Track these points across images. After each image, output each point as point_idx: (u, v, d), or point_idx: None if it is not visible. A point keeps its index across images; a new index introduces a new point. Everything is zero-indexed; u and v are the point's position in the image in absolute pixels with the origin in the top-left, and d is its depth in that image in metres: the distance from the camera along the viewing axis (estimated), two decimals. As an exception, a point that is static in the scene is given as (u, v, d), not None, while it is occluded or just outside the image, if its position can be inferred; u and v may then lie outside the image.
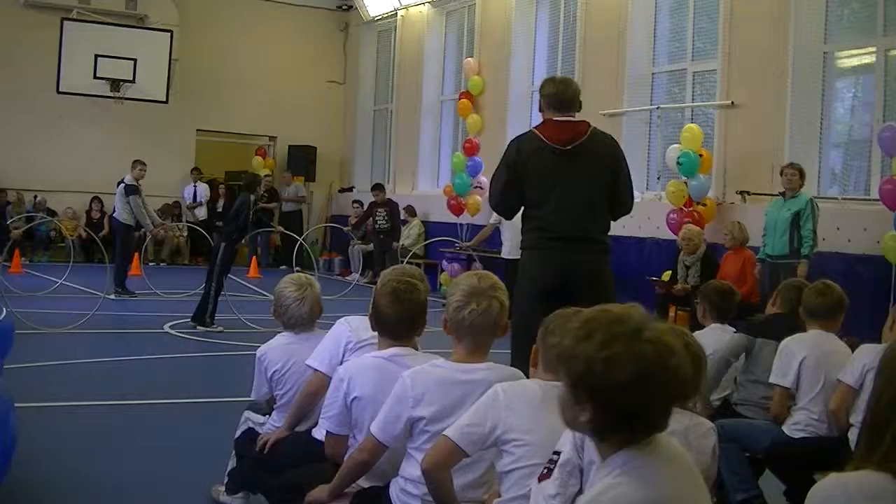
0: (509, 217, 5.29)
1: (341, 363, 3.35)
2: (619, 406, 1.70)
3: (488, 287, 2.74)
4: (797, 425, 3.95)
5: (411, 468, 2.71)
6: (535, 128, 4.88)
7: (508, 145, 4.92)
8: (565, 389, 1.77)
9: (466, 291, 2.73)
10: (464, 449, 2.47)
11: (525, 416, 2.46)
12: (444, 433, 2.50)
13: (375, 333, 3.18)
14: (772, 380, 4.03)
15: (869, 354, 3.72)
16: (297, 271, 11.98)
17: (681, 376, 1.71)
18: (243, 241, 11.31)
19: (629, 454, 1.74)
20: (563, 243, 4.71)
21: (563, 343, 1.79)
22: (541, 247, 4.79)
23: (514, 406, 2.47)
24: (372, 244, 14.38)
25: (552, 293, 4.48)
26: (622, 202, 4.88)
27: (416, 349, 3.03)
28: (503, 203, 4.96)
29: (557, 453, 2.21)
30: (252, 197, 9.67)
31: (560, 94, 4.82)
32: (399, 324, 2.98)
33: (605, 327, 1.72)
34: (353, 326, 3.42)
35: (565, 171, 4.72)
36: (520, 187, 4.79)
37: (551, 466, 2.20)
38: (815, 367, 3.93)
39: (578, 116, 4.89)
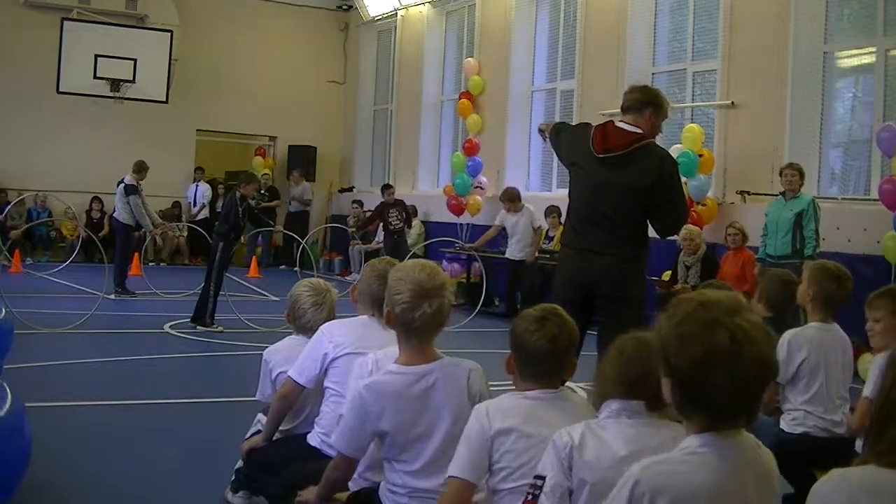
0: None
1: (325, 373, 3.37)
2: (689, 385, 1.76)
3: (439, 286, 2.65)
4: (795, 420, 3.94)
5: (392, 475, 2.71)
6: (599, 125, 4.94)
7: (579, 123, 5.25)
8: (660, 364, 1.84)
9: (415, 292, 2.63)
10: (475, 482, 2.44)
11: (513, 436, 2.43)
12: (449, 475, 2.44)
13: (353, 342, 3.25)
14: None
15: None
16: (296, 271, 11.87)
17: (757, 366, 1.74)
18: (242, 240, 11.29)
19: (703, 439, 1.79)
20: (579, 248, 4.86)
21: (658, 319, 1.85)
22: (567, 244, 5.02)
23: (500, 426, 2.43)
24: (383, 245, 14.14)
25: (580, 289, 4.74)
26: (660, 222, 4.88)
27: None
28: (555, 138, 5.24)
29: (541, 477, 2.18)
30: (238, 194, 9.63)
31: (624, 99, 4.90)
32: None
33: (689, 307, 1.78)
34: (333, 338, 3.37)
35: (598, 177, 4.78)
36: (559, 151, 5.14)
37: (536, 493, 2.17)
38: (815, 366, 3.91)
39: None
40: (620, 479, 1.80)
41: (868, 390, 3.71)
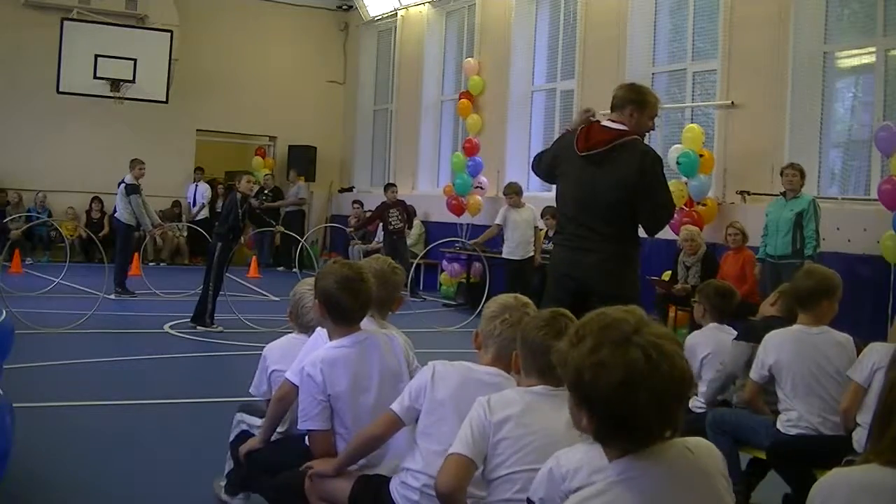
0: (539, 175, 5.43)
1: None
2: (610, 412, 1.68)
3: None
4: (790, 422, 3.94)
5: (413, 460, 2.75)
6: (585, 126, 4.94)
7: (564, 133, 5.23)
8: (569, 394, 1.76)
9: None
10: (475, 461, 2.48)
11: (511, 424, 2.49)
12: (451, 451, 2.48)
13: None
14: (751, 374, 4.09)
15: (878, 353, 3.66)
16: (295, 271, 11.84)
17: (676, 380, 1.67)
18: (242, 241, 11.28)
19: (628, 463, 1.72)
20: (568, 247, 4.86)
21: (559, 348, 1.76)
22: (557, 243, 5.04)
23: (499, 415, 2.49)
24: (382, 245, 14.04)
25: (571, 289, 4.72)
26: (644, 219, 4.79)
27: None
28: (536, 164, 5.26)
29: (531, 502, 2.19)
30: (238, 195, 9.63)
31: (612, 97, 4.92)
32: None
33: (595, 333, 1.70)
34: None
35: (582, 176, 4.78)
36: (552, 165, 5.04)
37: None
38: (797, 366, 3.91)
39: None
40: None
41: (856, 374, 3.73)
